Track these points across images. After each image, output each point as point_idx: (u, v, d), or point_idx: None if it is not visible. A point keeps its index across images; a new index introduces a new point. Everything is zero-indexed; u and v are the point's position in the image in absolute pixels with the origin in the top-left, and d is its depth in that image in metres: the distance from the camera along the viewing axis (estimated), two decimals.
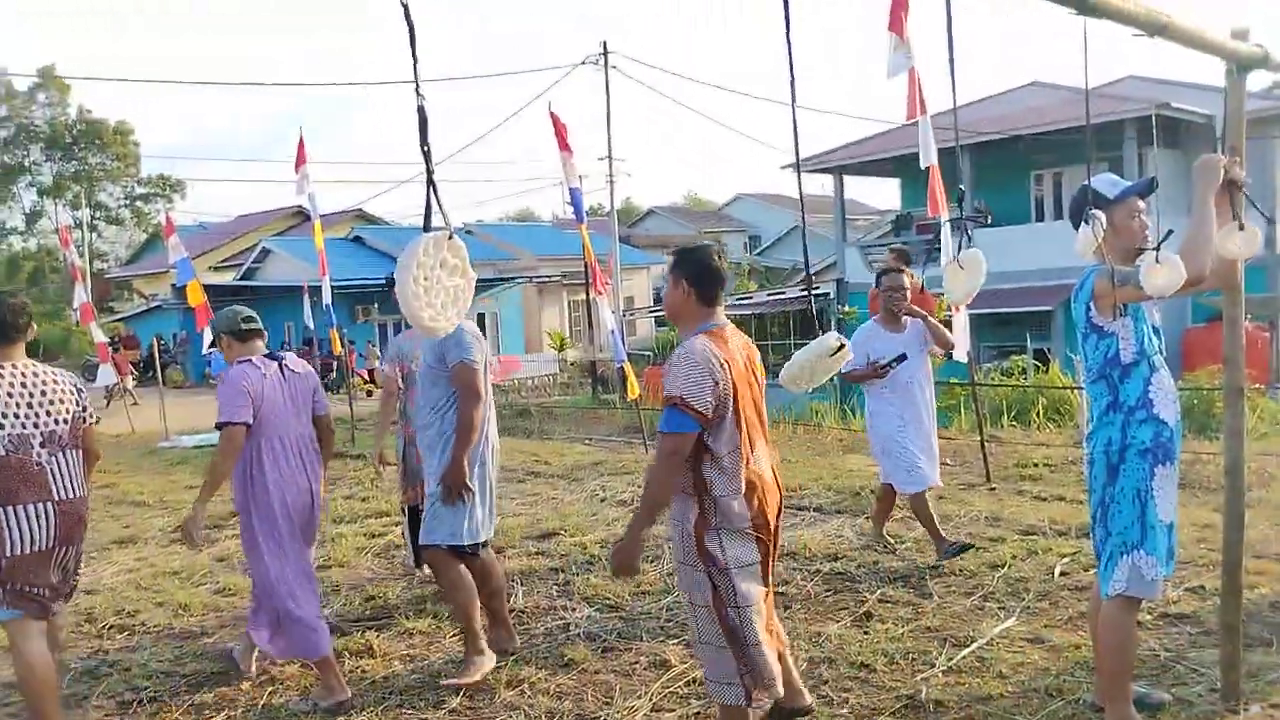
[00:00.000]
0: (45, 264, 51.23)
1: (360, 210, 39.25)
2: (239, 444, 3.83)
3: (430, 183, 2.59)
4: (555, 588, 5.29)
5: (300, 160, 12.04)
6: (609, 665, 4.20)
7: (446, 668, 4.22)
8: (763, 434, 3.10)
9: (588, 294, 23.72)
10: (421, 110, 2.48)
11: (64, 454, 3.61)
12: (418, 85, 2.43)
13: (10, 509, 3.44)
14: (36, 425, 3.54)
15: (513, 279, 33.63)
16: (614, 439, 12.17)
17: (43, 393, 3.60)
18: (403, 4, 2.29)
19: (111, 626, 5.05)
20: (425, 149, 2.53)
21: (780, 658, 3.14)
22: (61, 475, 3.58)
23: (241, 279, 33.14)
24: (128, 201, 54.79)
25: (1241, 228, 3.25)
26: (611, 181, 25.84)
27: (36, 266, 51.71)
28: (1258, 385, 12.75)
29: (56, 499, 3.54)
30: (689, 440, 2.88)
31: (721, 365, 2.91)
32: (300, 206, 40.47)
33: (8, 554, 3.43)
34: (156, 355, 19.31)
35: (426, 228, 2.71)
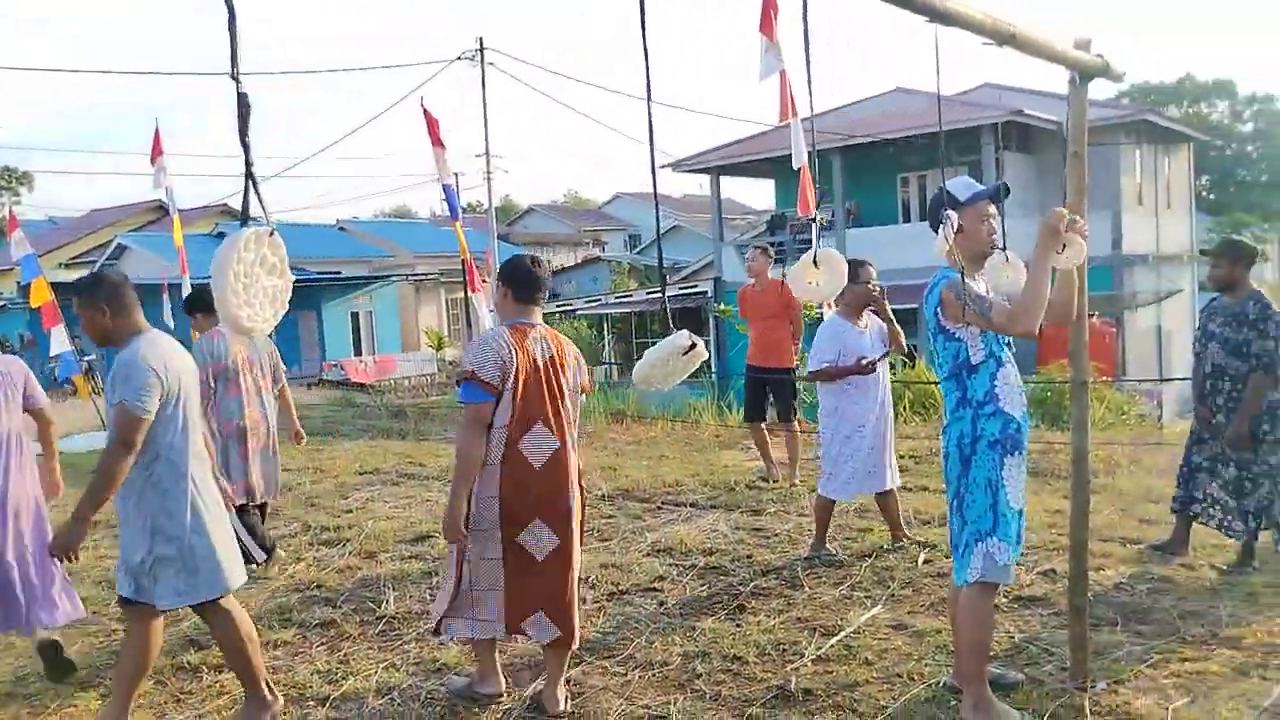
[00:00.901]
0: None
1: (225, 206, 37.66)
2: None
3: (249, 175, 2.48)
4: (428, 591, 5.17)
5: (157, 151, 11.44)
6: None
7: (311, 679, 4.07)
8: (548, 424, 3.47)
9: (466, 292, 23.41)
10: (242, 99, 2.37)
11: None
12: (235, 72, 2.32)
13: None
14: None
15: (387, 277, 32.90)
16: None
17: None
18: None
19: None
20: (245, 141, 2.42)
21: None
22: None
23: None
24: None
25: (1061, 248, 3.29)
26: (489, 178, 25.55)
27: None
28: (1105, 379, 13.54)
29: None
30: (486, 408, 3.41)
31: (509, 350, 3.42)
32: (160, 201, 38.58)
33: None
34: (87, 373, 18.07)
35: (244, 222, 2.59)
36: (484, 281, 10.95)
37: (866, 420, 5.35)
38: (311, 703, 3.84)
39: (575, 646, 3.68)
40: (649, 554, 5.65)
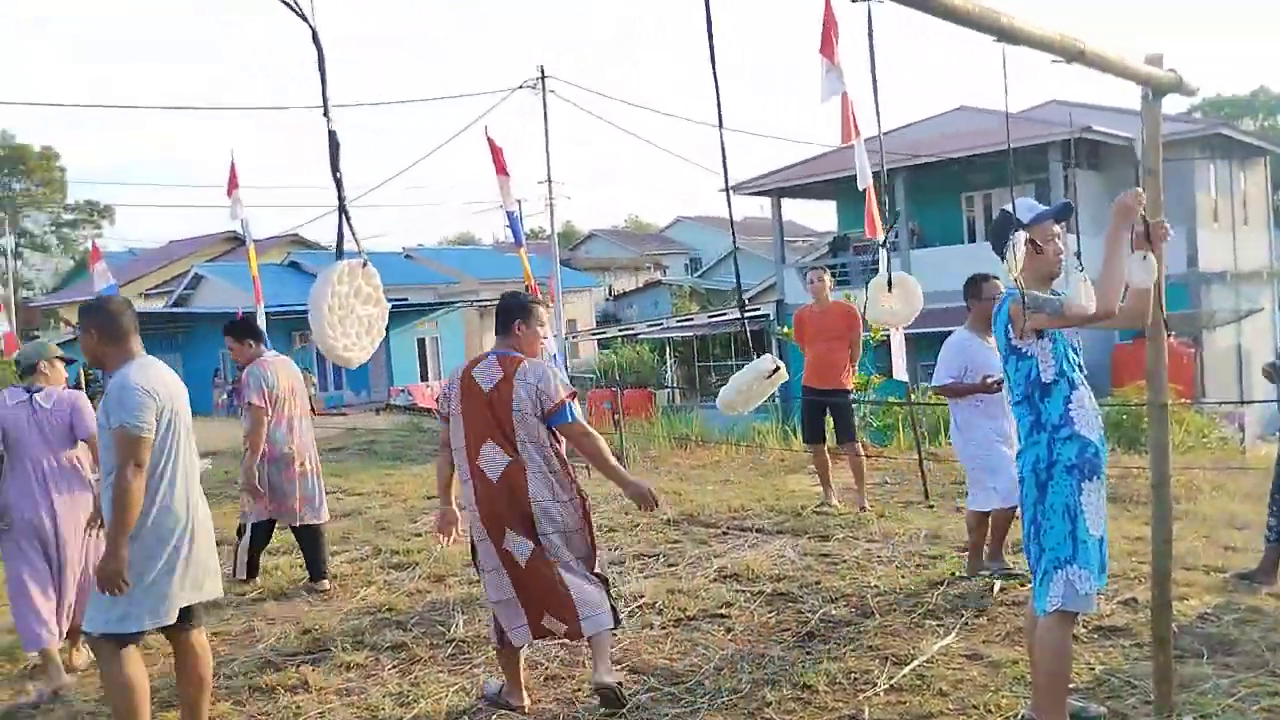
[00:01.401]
0: None
1: (296, 235, 38.69)
2: None
3: (342, 209, 2.56)
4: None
5: (232, 184, 11.80)
6: (551, 693, 4.15)
7: (384, 702, 4.12)
8: (495, 440, 3.82)
9: None
10: (333, 136, 2.45)
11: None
12: (326, 109, 2.40)
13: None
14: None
15: (453, 303, 33.39)
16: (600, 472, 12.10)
17: None
18: (311, 29, 2.25)
19: (35, 667, 4.86)
20: (337, 175, 2.50)
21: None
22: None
23: (173, 305, 32.41)
24: (54, 228, 53.40)
25: (1145, 257, 3.27)
26: (551, 205, 25.89)
27: None
28: (1183, 400, 13.15)
29: None
30: (444, 432, 4.00)
31: (456, 379, 3.96)
32: (234, 232, 39.73)
33: None
34: (83, 384, 18.76)
35: (339, 255, 2.66)
36: (548, 307, 11.06)
37: (1003, 431, 5.19)
38: None
39: (585, 638, 3.91)
40: (716, 580, 5.62)
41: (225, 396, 27.06)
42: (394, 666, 4.57)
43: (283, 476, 5.94)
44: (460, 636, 4.89)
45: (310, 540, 6.05)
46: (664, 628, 4.87)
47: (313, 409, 22.92)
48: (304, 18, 2.25)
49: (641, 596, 5.31)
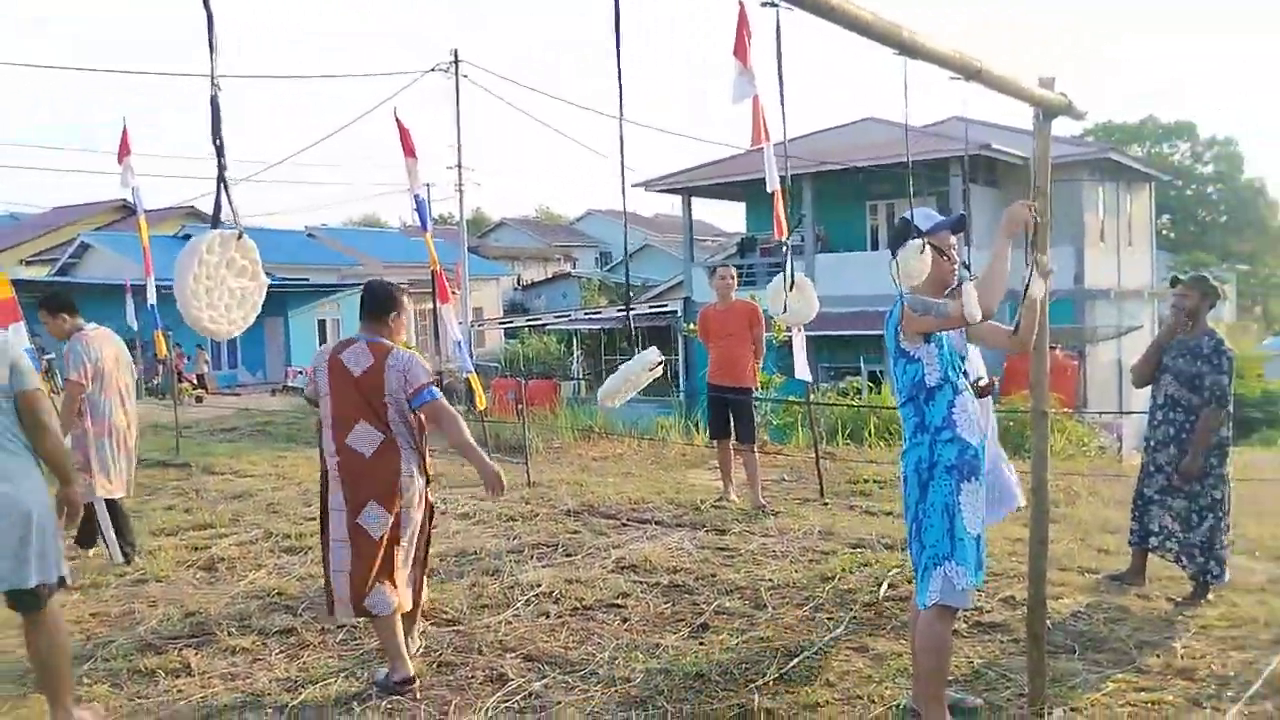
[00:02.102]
0: None
1: (192, 208, 37.26)
2: None
3: (221, 179, 2.49)
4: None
5: (124, 151, 11.32)
6: (443, 679, 4.11)
7: (270, 686, 4.03)
8: (367, 420, 4.00)
9: (434, 303, 23.24)
10: (214, 101, 2.38)
11: None
12: (213, 76, 2.34)
13: None
14: None
15: (355, 284, 32.65)
16: (454, 451, 11.96)
17: None
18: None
19: None
20: (217, 143, 2.44)
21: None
22: None
23: (57, 274, 30.90)
24: None
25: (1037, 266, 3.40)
26: (461, 190, 25.54)
27: None
28: (1065, 410, 13.74)
29: None
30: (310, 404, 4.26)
31: (323, 363, 4.13)
32: (125, 201, 38.04)
33: None
34: None
35: (215, 225, 2.60)
36: (454, 294, 10.92)
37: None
38: (270, 710, 3.80)
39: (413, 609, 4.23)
40: (614, 570, 5.65)
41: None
42: (282, 651, 4.48)
43: (110, 449, 5.90)
44: (353, 622, 4.79)
45: (124, 517, 6.07)
46: (560, 617, 4.88)
47: (205, 387, 22.32)
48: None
49: (539, 585, 5.30)
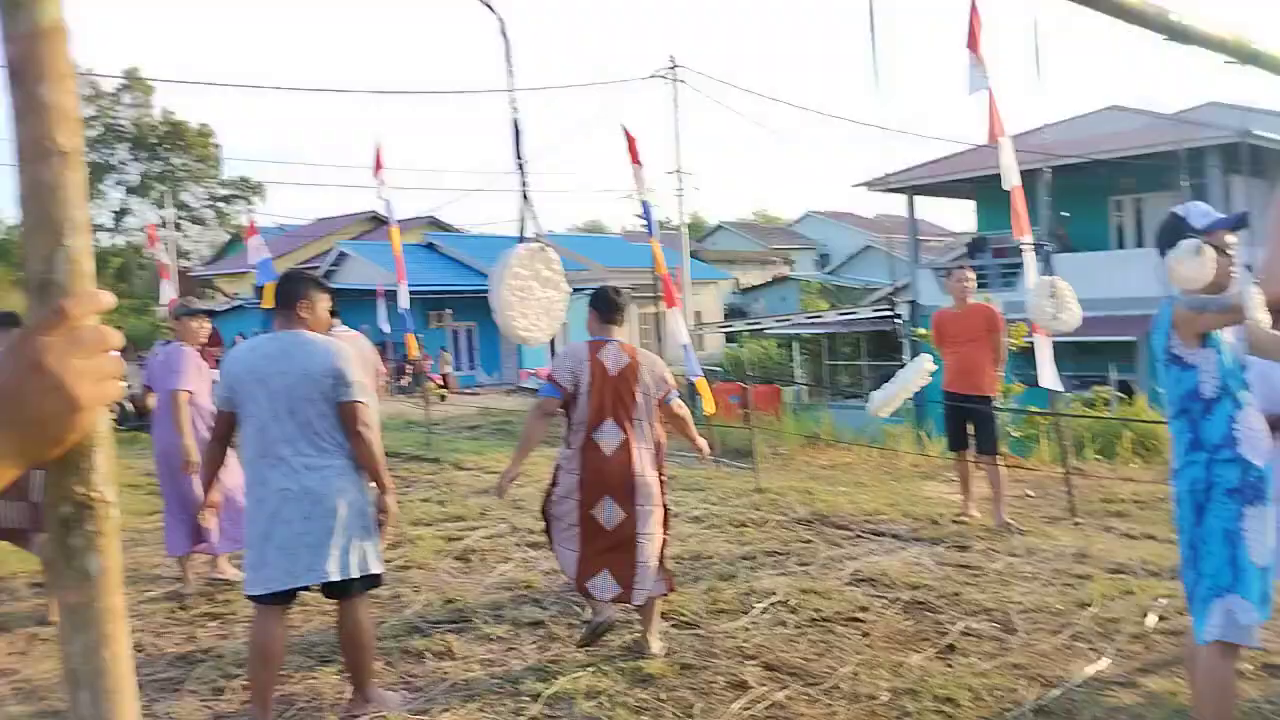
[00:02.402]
0: (132, 260, 52.91)
1: (433, 217, 39.83)
2: None
3: (524, 195, 2.64)
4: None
5: (378, 167, 12.29)
6: (686, 682, 4.18)
7: (525, 675, 4.25)
8: (615, 419, 4.28)
9: (656, 307, 23.70)
10: (516, 124, 2.52)
11: None
12: (514, 99, 2.47)
13: None
14: None
15: (580, 289, 33.81)
16: (684, 454, 12.12)
17: None
18: (499, 20, 2.32)
19: (204, 614, 5.22)
20: (520, 161, 2.59)
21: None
22: None
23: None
24: (210, 202, 56.42)
25: None
26: (680, 195, 25.92)
27: (124, 262, 53.44)
28: None
29: None
30: (552, 402, 4.31)
31: (584, 361, 4.25)
32: (375, 212, 41.09)
33: None
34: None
35: (521, 239, 2.75)
36: (679, 298, 11.10)
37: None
38: (526, 698, 4.00)
39: (648, 599, 4.44)
40: (850, 583, 5.56)
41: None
42: (533, 643, 4.70)
43: None
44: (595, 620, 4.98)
45: None
46: (798, 627, 4.85)
47: (448, 386, 23.73)
48: (491, 9, 2.33)
49: (774, 594, 5.30)
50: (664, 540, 4.52)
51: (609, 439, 4.29)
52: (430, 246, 34.71)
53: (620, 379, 4.32)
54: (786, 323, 27.99)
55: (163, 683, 4.29)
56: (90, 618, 0.85)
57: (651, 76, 23.99)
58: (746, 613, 5.03)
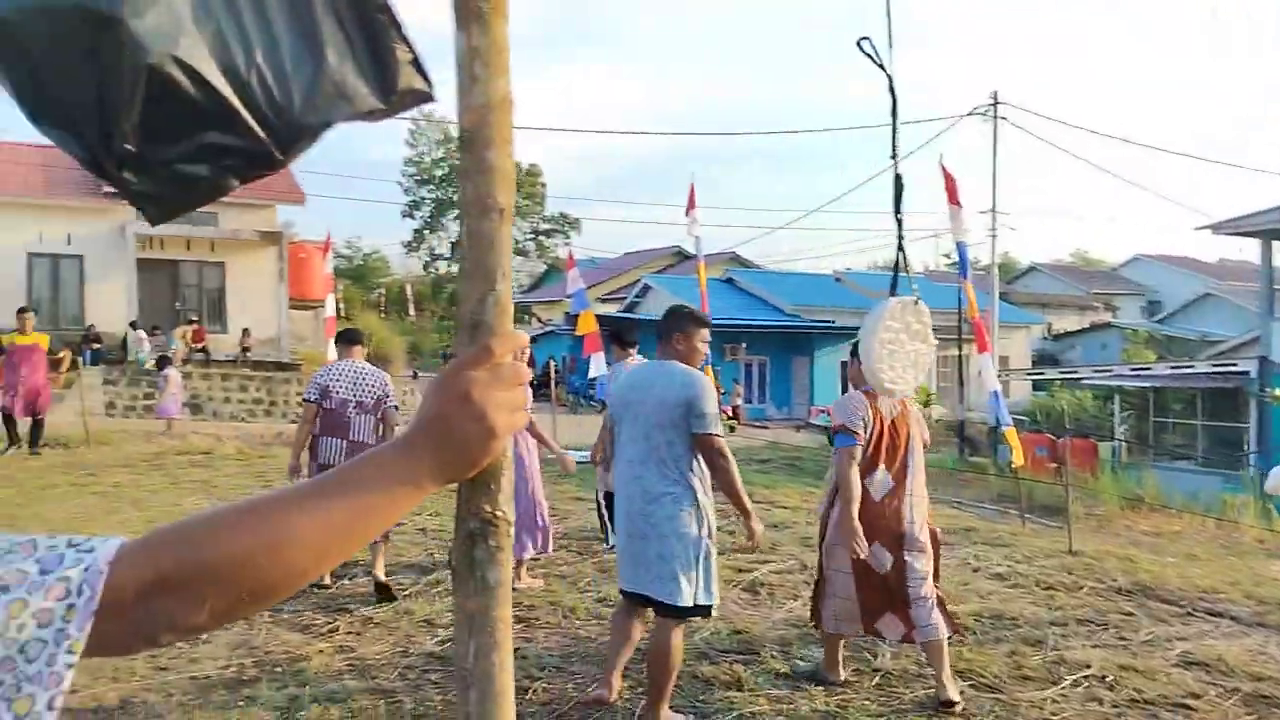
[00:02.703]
0: None
1: (734, 253, 40.70)
2: None
3: (900, 248, 2.63)
4: (924, 655, 5.06)
5: (690, 206, 12.73)
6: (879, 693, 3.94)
7: (811, 716, 4.18)
8: (887, 466, 4.36)
9: (960, 349, 22.69)
10: (899, 179, 2.53)
11: (363, 415, 6.02)
12: (895, 152, 2.48)
13: (326, 439, 5.99)
14: (353, 395, 6.04)
15: None
16: (985, 505, 11.51)
17: (362, 378, 6.10)
18: (888, 76, 2.33)
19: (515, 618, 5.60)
20: (899, 216, 2.58)
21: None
22: (358, 426, 5.99)
23: (624, 311, 35.54)
24: (533, 235, 61.06)
25: None
26: (994, 236, 24.71)
27: (456, 289, 58.99)
28: None
29: (350, 439, 5.96)
30: (855, 450, 4.29)
31: (867, 409, 4.27)
32: (678, 247, 42.56)
33: (319, 459, 5.99)
34: (551, 375, 21.16)
35: (893, 291, 2.75)
36: (989, 344, 10.55)
37: None
38: None
39: (941, 639, 4.38)
40: (1178, 665, 4.99)
41: None
42: (820, 686, 4.62)
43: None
44: (887, 668, 4.82)
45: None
46: (1115, 706, 4.43)
47: (737, 418, 24.14)
48: (881, 67, 2.35)
49: (1087, 666, 4.87)
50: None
51: (880, 487, 4.40)
52: (730, 281, 35.44)
53: (895, 428, 4.41)
54: (1107, 373, 25.73)
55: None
56: (485, 624, 0.95)
57: (971, 113, 23.16)
58: (1055, 683, 4.65)
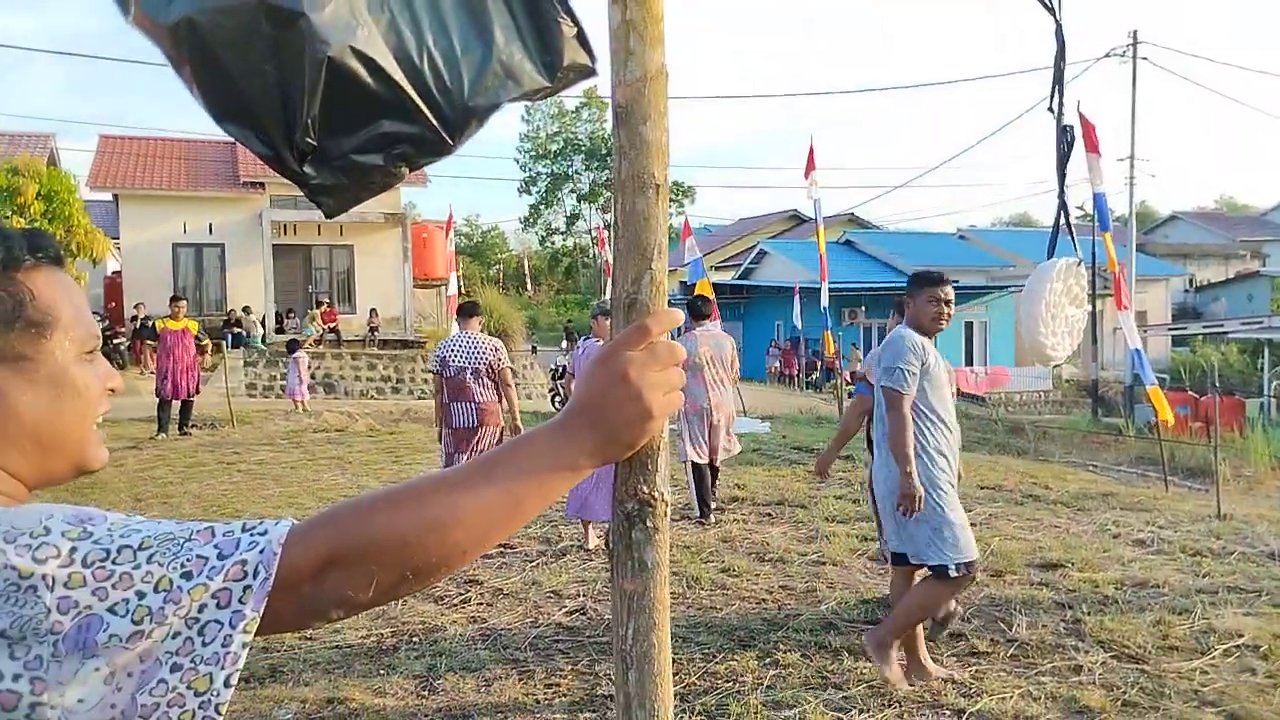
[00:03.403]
0: (578, 260, 58.88)
1: (852, 214, 39.81)
2: None
3: (1063, 205, 2.53)
4: (1063, 624, 4.90)
5: (810, 168, 12.51)
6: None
7: (946, 688, 4.10)
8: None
9: (1094, 305, 21.74)
10: (1068, 131, 2.42)
11: (480, 380, 6.49)
12: (1060, 110, 2.37)
13: (454, 404, 6.51)
14: (468, 363, 6.51)
15: (1005, 287, 31.91)
16: (1123, 468, 11.02)
17: (475, 346, 6.57)
18: (1056, 23, 2.22)
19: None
20: (1062, 172, 2.48)
21: None
22: (478, 390, 6.48)
23: (740, 278, 35.29)
24: None
25: None
26: (1132, 184, 23.46)
27: (571, 262, 59.65)
28: None
29: (476, 402, 6.49)
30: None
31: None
32: (794, 211, 41.93)
33: (452, 425, 6.53)
34: None
35: (1051, 253, 2.65)
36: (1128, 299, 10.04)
37: None
38: (947, 712, 3.87)
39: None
40: None
41: (776, 364, 28.96)
42: (953, 655, 4.53)
43: (698, 427, 7.28)
44: (1023, 638, 4.68)
45: (705, 481, 7.37)
46: (1270, 676, 4.20)
47: (854, 382, 23.55)
48: (1051, 10, 2.25)
49: (1240, 635, 4.63)
50: None
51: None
52: (849, 243, 34.72)
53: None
54: (1255, 325, 24.20)
55: (603, 645, 4.72)
56: (644, 604, 0.95)
57: (1108, 55, 21.97)
58: (1204, 653, 4.44)
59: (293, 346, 16.96)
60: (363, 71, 1.06)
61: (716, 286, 24.41)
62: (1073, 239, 2.54)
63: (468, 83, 1.13)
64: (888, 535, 4.38)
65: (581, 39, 1.21)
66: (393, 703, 4.03)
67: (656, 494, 0.94)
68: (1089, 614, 5.01)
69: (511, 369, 6.71)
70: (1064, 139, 2.29)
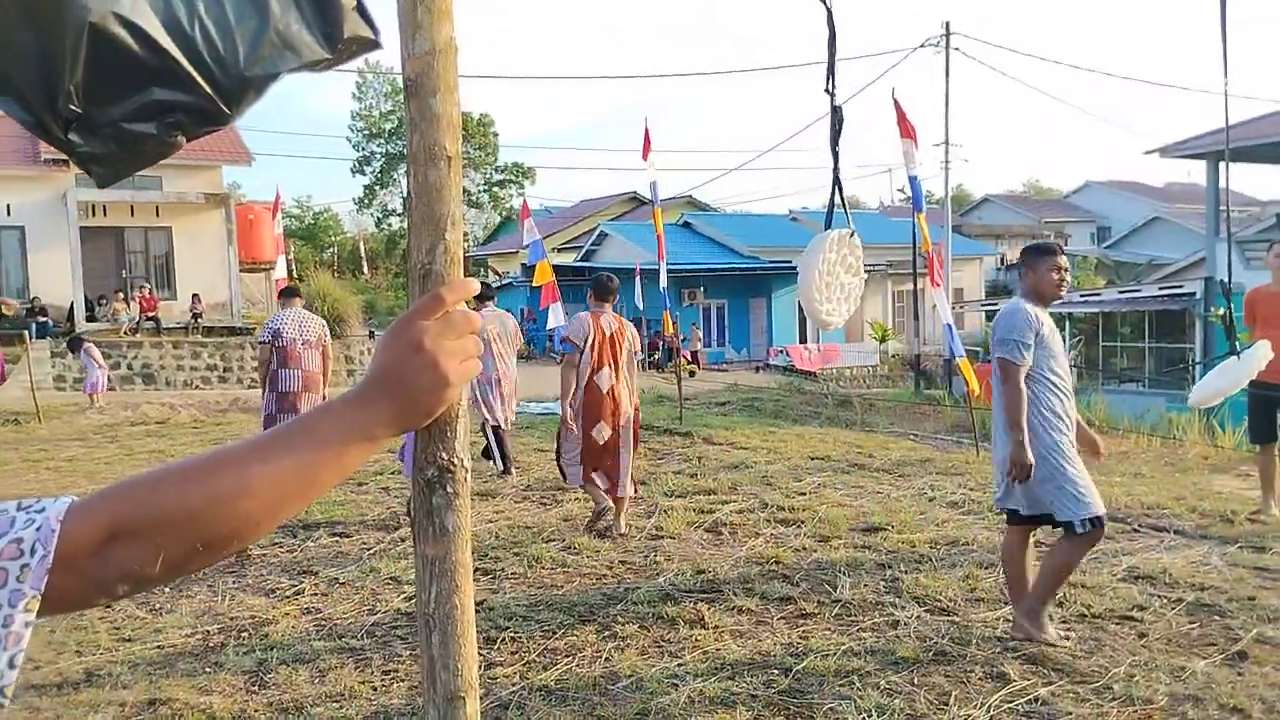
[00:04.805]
0: None
1: (690, 197, 40.52)
2: None
3: (836, 181, 2.65)
4: (883, 583, 5.21)
5: (646, 150, 12.64)
6: (941, 669, 4.07)
7: (775, 648, 4.29)
8: (611, 367, 6.35)
9: (915, 284, 22.94)
10: (837, 112, 2.53)
11: (310, 351, 6.86)
12: (832, 88, 2.48)
13: (283, 371, 6.79)
14: (299, 334, 6.86)
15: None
16: (941, 436, 11.72)
17: (308, 321, 6.98)
18: (826, 8, 2.32)
19: (476, 569, 5.65)
20: (835, 149, 2.60)
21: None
22: (306, 359, 6.82)
23: (581, 260, 35.36)
24: (486, 187, 60.28)
25: None
26: (947, 168, 24.84)
27: (408, 244, 58.08)
28: None
29: (303, 369, 6.81)
30: (573, 357, 6.38)
31: (590, 327, 6.33)
32: (635, 193, 42.24)
33: (278, 389, 6.75)
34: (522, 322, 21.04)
35: (828, 225, 2.78)
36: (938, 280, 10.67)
37: None
38: (776, 671, 4.05)
39: (625, 495, 6.42)
40: (1125, 579, 5.18)
41: None
42: (782, 618, 4.74)
43: (494, 394, 8.27)
44: (847, 598, 4.95)
45: (504, 441, 8.37)
46: (1065, 622, 4.59)
47: (697, 362, 24.31)
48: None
49: None
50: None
51: (604, 381, 6.31)
52: (687, 225, 35.34)
53: (613, 339, 6.36)
54: (1059, 301, 26.15)
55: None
56: (446, 568, 0.97)
57: (923, 45, 23.09)
58: (1008, 603, 4.80)
59: (75, 344, 15.15)
60: (128, 38, 1.03)
61: (558, 269, 24.35)
62: (846, 212, 2.70)
63: (243, 53, 1.12)
64: (1001, 494, 4.47)
65: (362, 10, 1.21)
66: (220, 700, 3.89)
67: (456, 460, 0.97)
68: (906, 572, 5.34)
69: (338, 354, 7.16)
70: (836, 119, 2.44)
